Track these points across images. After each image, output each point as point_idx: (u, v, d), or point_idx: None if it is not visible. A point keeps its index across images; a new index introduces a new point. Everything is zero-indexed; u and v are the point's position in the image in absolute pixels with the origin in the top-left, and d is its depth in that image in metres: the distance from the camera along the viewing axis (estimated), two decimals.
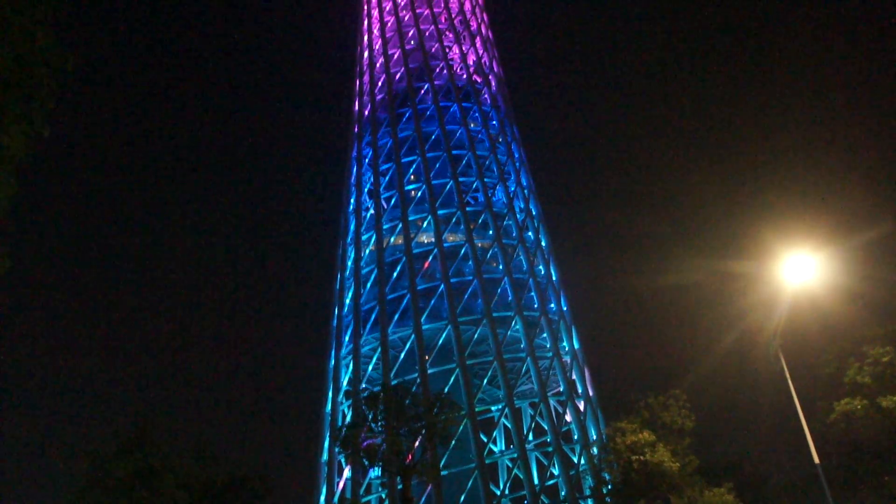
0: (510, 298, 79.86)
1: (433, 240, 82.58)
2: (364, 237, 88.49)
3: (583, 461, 74.38)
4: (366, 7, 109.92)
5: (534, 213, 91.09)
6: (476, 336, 76.60)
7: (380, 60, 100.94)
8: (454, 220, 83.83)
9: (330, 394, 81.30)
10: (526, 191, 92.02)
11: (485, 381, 76.47)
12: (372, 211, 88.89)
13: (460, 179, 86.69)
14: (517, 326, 78.44)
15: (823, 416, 49.38)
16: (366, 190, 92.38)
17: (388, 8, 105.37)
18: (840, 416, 47.97)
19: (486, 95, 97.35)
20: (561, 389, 78.88)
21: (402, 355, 76.62)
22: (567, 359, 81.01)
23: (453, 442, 64.14)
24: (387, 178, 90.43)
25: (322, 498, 77.54)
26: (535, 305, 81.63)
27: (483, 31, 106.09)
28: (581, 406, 78.59)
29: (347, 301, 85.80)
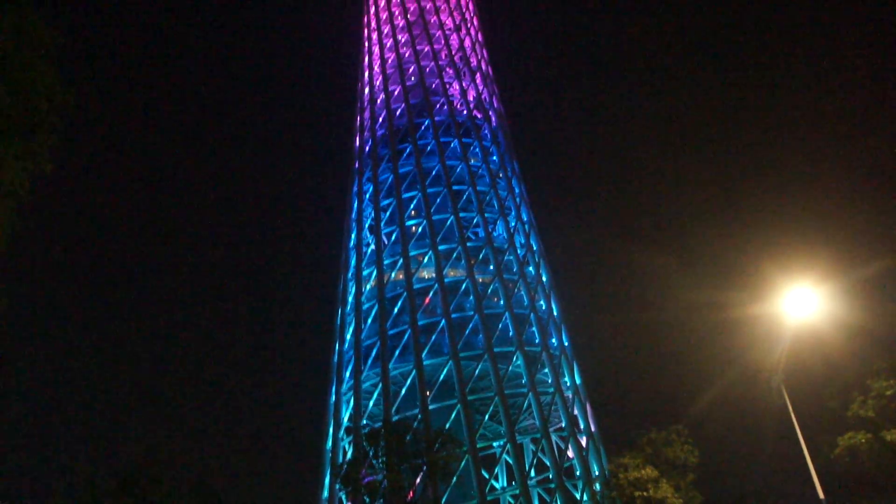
0: (511, 334, 79.64)
1: (434, 275, 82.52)
2: (365, 273, 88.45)
3: (585, 497, 73.84)
4: (367, 44, 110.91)
5: (534, 248, 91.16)
6: (477, 372, 76.32)
7: (380, 97, 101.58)
8: (455, 255, 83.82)
9: (331, 430, 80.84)
10: (526, 226, 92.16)
11: (486, 416, 76.06)
12: (373, 246, 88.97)
13: (461, 215, 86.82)
14: (518, 362, 78.19)
15: (827, 450, 49.08)
16: (366, 225, 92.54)
17: (388, 45, 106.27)
18: (844, 450, 47.68)
19: (486, 131, 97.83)
20: (563, 425, 78.45)
21: (404, 391, 76.31)
22: (569, 394, 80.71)
23: (455, 478, 63.93)
24: (387, 213, 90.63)
25: None
26: (537, 341, 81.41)
27: (483, 67, 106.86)
28: (583, 441, 78.13)
29: (348, 337, 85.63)
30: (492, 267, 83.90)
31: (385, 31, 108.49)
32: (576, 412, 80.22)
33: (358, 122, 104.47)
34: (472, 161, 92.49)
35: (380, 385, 77.70)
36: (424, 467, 51.74)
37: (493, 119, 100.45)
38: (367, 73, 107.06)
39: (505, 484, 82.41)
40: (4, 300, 14.85)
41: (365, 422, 76.68)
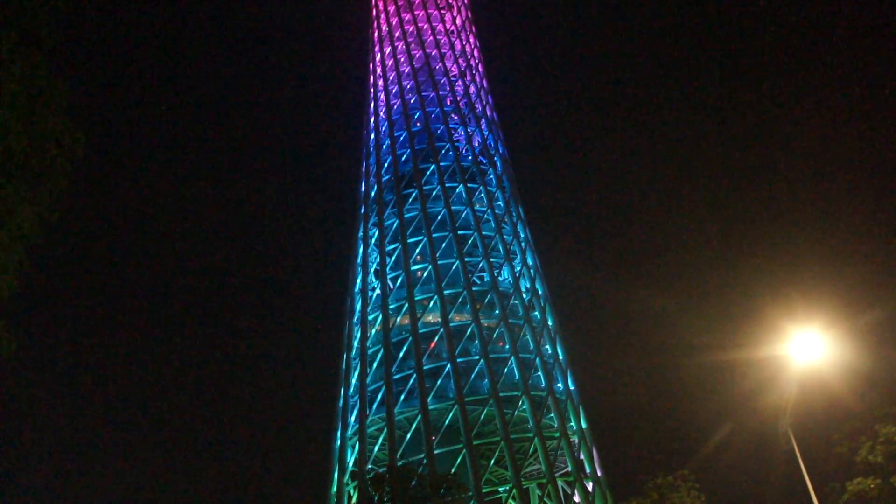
0: (517, 378, 79.43)
1: (439, 319, 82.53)
2: (370, 317, 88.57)
3: None
4: (372, 90, 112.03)
5: (540, 292, 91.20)
6: (483, 416, 76.12)
7: (386, 142, 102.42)
8: (460, 299, 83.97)
9: (335, 474, 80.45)
10: (532, 270, 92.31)
11: (492, 461, 75.73)
12: (378, 291, 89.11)
13: (466, 259, 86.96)
14: (524, 406, 77.91)
15: (836, 496, 48.90)
16: (372, 270, 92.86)
17: (394, 91, 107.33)
18: (853, 496, 47.51)
19: (491, 176, 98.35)
20: (569, 470, 78.00)
21: (409, 436, 76.07)
22: (575, 439, 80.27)
23: None
24: (393, 258, 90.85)
25: None
26: (542, 385, 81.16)
27: (488, 113, 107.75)
28: (589, 487, 77.57)
29: (354, 381, 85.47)
30: (497, 311, 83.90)
31: (391, 78, 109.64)
32: (582, 457, 79.78)
33: (363, 168, 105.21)
34: (478, 206, 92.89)
35: (385, 430, 77.44)
36: None
37: (499, 164, 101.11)
38: (372, 119, 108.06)
39: None
40: (14, 343, 14.95)
41: (370, 466, 76.31)
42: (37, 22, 15.14)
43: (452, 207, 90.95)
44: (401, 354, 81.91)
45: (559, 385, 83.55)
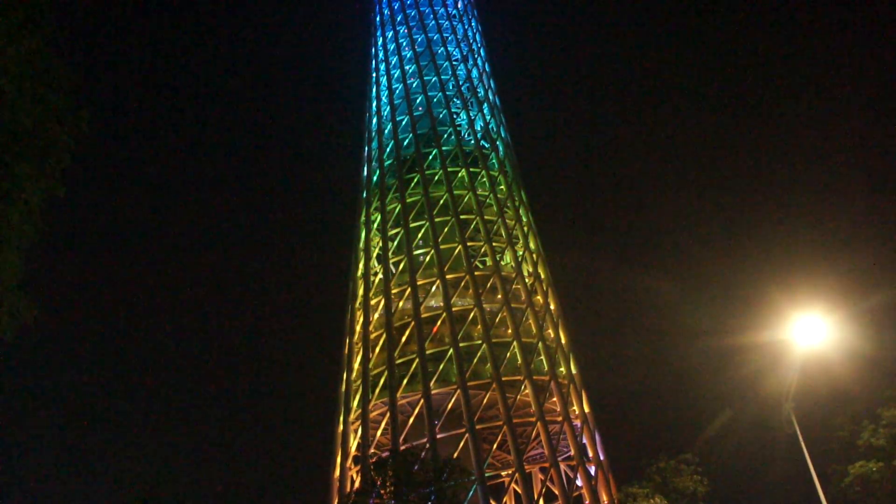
0: (519, 362, 79.46)
1: (441, 304, 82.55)
2: (372, 302, 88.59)
3: None
4: (374, 75, 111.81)
5: (542, 276, 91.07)
6: (485, 401, 76.15)
7: (388, 127, 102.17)
8: (462, 284, 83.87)
9: (338, 459, 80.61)
10: (534, 255, 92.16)
11: (494, 445, 75.80)
12: (380, 276, 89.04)
13: (468, 244, 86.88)
14: (526, 391, 77.93)
15: (838, 479, 48.94)
16: (374, 255, 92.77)
17: (396, 75, 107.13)
18: (855, 479, 47.56)
19: (493, 160, 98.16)
20: (571, 454, 78.12)
21: (411, 420, 76.10)
22: (577, 423, 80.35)
23: None
24: (395, 242, 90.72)
25: None
26: (545, 369, 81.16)
27: (490, 97, 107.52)
28: (592, 471, 77.71)
29: (356, 366, 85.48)
30: (499, 296, 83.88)
31: (392, 62, 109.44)
32: (584, 441, 79.84)
33: (365, 153, 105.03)
34: (480, 190, 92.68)
35: (387, 414, 77.54)
36: (432, 497, 51.52)
37: (501, 149, 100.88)
38: (374, 104, 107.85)
39: None
40: (35, 310, 15.12)
41: (373, 451, 76.48)
42: (38, 4, 15.21)
43: (454, 192, 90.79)
44: (403, 339, 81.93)
45: (561, 369, 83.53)
